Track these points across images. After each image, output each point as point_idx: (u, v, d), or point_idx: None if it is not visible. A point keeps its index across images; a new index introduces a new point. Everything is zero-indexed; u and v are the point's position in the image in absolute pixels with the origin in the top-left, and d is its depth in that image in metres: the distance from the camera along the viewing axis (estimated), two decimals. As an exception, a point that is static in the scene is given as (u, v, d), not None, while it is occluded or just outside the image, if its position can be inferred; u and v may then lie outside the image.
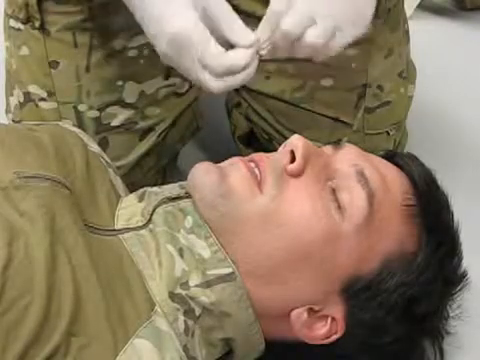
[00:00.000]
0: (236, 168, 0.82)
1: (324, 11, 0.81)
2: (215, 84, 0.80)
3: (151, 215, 0.82)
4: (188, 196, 0.83)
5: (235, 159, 0.84)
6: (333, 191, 0.80)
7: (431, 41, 1.44)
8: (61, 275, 0.71)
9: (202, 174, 0.81)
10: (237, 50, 0.79)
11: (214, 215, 0.80)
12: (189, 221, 0.81)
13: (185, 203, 0.82)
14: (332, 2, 0.82)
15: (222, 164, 0.83)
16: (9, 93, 1.06)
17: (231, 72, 0.79)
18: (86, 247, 0.74)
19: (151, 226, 0.81)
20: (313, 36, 0.80)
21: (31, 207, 0.75)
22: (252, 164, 0.82)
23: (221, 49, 0.79)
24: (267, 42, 0.81)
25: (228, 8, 0.81)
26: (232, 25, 0.80)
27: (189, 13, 0.79)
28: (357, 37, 0.84)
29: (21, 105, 1.04)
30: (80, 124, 1.01)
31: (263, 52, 0.81)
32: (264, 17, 0.81)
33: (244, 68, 0.79)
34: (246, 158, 0.84)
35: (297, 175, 0.81)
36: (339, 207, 0.80)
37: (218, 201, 0.79)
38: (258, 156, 0.84)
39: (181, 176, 1.09)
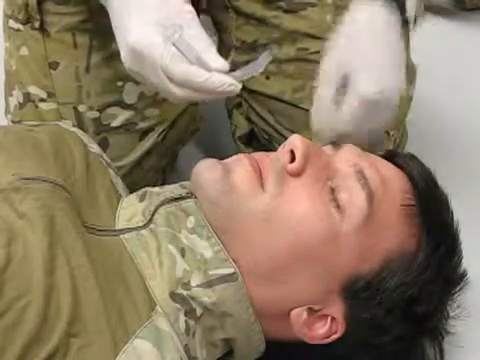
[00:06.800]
0: (240, 164, 0.82)
1: None
2: (177, 91, 0.79)
3: (152, 215, 0.82)
4: (190, 196, 0.83)
5: (240, 155, 0.84)
6: (332, 191, 0.81)
7: (431, 41, 1.43)
8: (60, 276, 0.71)
9: (205, 171, 0.81)
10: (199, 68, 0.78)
11: (216, 212, 0.80)
12: (191, 221, 0.81)
13: (187, 203, 0.82)
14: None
15: (226, 160, 0.83)
16: (8, 94, 1.06)
17: (190, 82, 0.77)
18: (85, 248, 0.75)
19: (152, 226, 0.81)
20: None
21: (30, 209, 0.75)
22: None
23: (181, 56, 0.78)
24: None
25: (204, 35, 0.80)
26: (207, 50, 0.78)
27: (150, 27, 0.78)
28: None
29: (21, 106, 1.04)
30: (80, 125, 1.01)
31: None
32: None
33: (209, 86, 0.77)
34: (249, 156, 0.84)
35: (297, 174, 0.81)
36: (339, 207, 0.80)
37: (220, 198, 0.79)
38: (259, 155, 0.84)
39: (181, 176, 1.09)
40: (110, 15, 0.84)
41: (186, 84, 0.78)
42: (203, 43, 0.79)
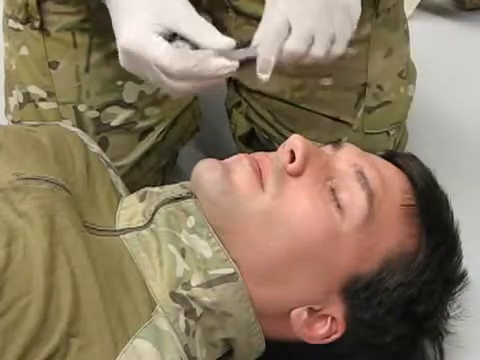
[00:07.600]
0: (240, 164, 0.82)
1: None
2: (176, 84, 0.80)
3: (152, 215, 0.82)
4: (190, 196, 0.83)
5: (240, 155, 0.84)
6: (333, 191, 0.81)
7: (431, 41, 1.44)
8: (60, 276, 0.71)
9: (206, 171, 0.81)
10: (189, 53, 0.79)
11: (216, 212, 0.80)
12: (191, 221, 0.81)
13: (187, 203, 0.82)
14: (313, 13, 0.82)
15: (226, 160, 0.83)
16: (8, 94, 1.06)
17: (187, 73, 0.79)
18: (85, 248, 0.75)
19: (152, 226, 0.81)
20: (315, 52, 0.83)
21: (30, 208, 0.75)
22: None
23: (174, 51, 0.79)
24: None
25: (198, 18, 0.80)
26: (202, 31, 0.79)
27: (141, 25, 0.80)
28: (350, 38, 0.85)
29: (21, 105, 1.03)
30: (80, 124, 1.01)
31: (265, 76, 0.81)
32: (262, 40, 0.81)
33: (212, 72, 0.79)
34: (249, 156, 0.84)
35: (297, 174, 0.81)
36: (339, 207, 0.80)
37: (220, 198, 0.79)
38: (259, 155, 0.84)
39: (181, 176, 1.09)
40: (110, 13, 0.84)
41: (183, 76, 0.79)
42: (196, 30, 0.79)
